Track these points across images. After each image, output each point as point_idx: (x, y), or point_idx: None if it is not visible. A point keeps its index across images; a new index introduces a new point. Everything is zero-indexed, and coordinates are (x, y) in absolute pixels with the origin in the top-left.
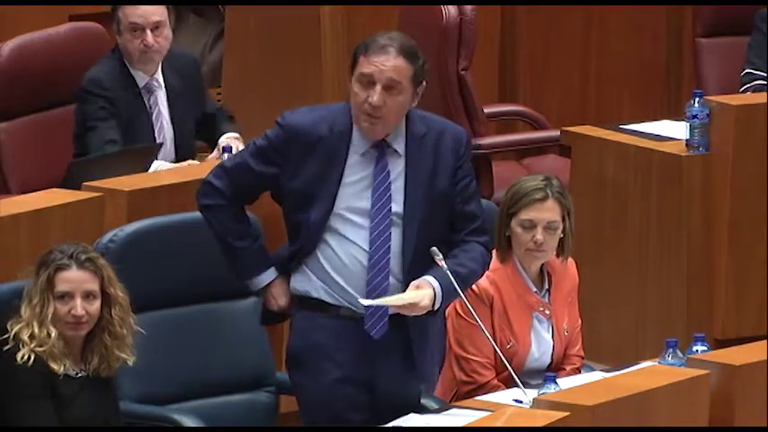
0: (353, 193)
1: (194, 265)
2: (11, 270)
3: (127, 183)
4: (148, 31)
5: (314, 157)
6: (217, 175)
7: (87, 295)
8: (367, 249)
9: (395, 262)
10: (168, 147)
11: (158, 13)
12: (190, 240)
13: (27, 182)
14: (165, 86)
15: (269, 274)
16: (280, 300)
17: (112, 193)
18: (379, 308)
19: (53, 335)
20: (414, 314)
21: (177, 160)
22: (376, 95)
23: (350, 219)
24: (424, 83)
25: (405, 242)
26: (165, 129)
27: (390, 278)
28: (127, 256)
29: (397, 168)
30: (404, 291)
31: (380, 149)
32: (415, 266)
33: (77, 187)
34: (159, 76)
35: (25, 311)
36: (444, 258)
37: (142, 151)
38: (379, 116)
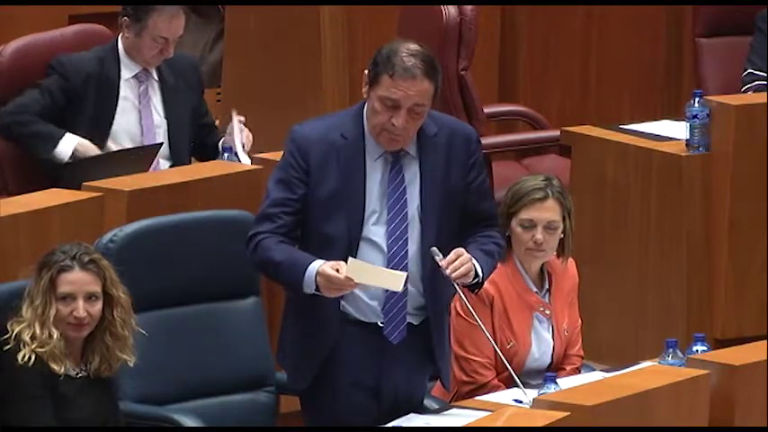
0: (372, 199)
1: (194, 265)
2: (11, 270)
3: (127, 183)
4: (171, 43)
5: (331, 164)
6: (253, 226)
7: (89, 297)
8: (385, 253)
9: (413, 265)
10: (161, 140)
11: (183, 27)
12: (190, 240)
13: (27, 182)
14: (161, 82)
15: (316, 263)
16: (324, 266)
17: (112, 193)
18: (398, 313)
19: (54, 336)
20: (459, 274)
21: (172, 156)
22: (401, 119)
23: (369, 225)
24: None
25: (423, 243)
26: (154, 119)
27: (409, 284)
28: (127, 256)
29: (411, 170)
30: (423, 299)
31: (394, 153)
32: (433, 267)
33: (77, 187)
34: (153, 69)
35: (27, 312)
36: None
37: (143, 151)
38: (401, 134)
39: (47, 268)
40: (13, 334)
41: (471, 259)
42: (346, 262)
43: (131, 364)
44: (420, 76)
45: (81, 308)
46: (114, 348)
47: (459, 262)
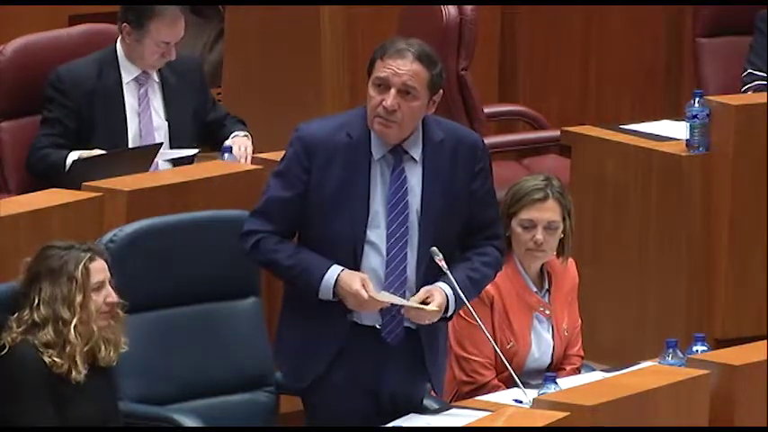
0: (375, 200)
1: (194, 265)
2: (11, 270)
3: (127, 183)
4: (173, 47)
5: (335, 164)
6: (249, 220)
7: (110, 283)
8: (384, 256)
9: (411, 269)
10: (163, 143)
11: (183, 28)
12: (190, 240)
13: (27, 182)
14: (162, 84)
15: (333, 270)
16: (354, 284)
17: (112, 193)
18: (395, 315)
19: (95, 329)
20: (425, 322)
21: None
22: (390, 99)
23: (372, 226)
24: (441, 91)
25: (421, 248)
26: (154, 121)
27: (407, 287)
28: (127, 256)
29: (414, 175)
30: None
31: (397, 155)
32: (431, 272)
33: (77, 187)
34: (154, 71)
35: (70, 314)
36: (452, 261)
37: (143, 151)
38: (394, 120)
39: (75, 265)
40: (62, 341)
41: (441, 298)
42: (353, 263)
43: (126, 347)
44: (411, 57)
45: (113, 293)
46: (118, 332)
47: (428, 314)
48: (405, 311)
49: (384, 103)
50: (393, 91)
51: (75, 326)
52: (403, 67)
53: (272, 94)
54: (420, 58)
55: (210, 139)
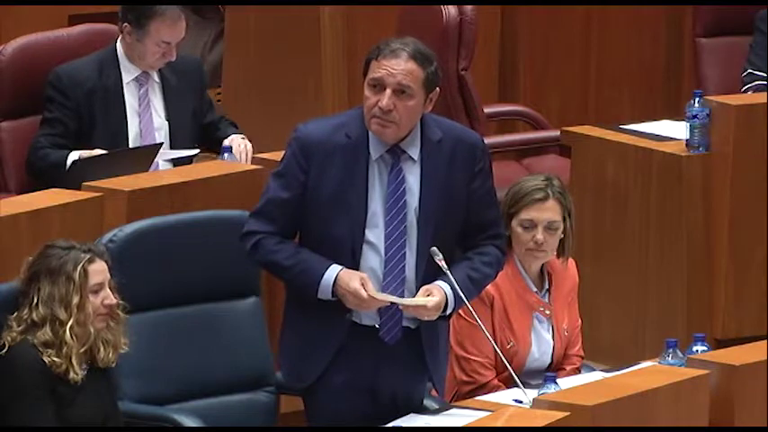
0: (373, 200)
1: (194, 265)
2: (11, 270)
3: (127, 183)
4: (173, 47)
5: (334, 165)
6: (249, 221)
7: (109, 285)
8: (382, 256)
9: (410, 269)
10: (164, 143)
11: (184, 29)
12: (190, 240)
13: (27, 182)
14: (162, 83)
15: (332, 270)
16: (353, 282)
17: (112, 193)
18: (394, 314)
19: (92, 332)
20: (425, 318)
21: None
22: (385, 99)
23: (370, 226)
24: (438, 89)
25: (420, 248)
26: (154, 121)
27: (405, 287)
28: (127, 256)
29: (412, 174)
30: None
31: (395, 155)
32: (430, 272)
33: (77, 187)
34: (154, 71)
35: (66, 314)
36: (452, 261)
37: (143, 151)
38: (390, 120)
39: (73, 265)
40: (59, 341)
41: (440, 295)
42: (352, 263)
43: (127, 348)
44: (405, 56)
45: (111, 295)
46: (118, 333)
47: (419, 311)
48: (403, 308)
49: (380, 103)
50: (388, 91)
51: (71, 327)
52: (397, 66)
53: (272, 94)
54: (414, 57)
55: (206, 142)
